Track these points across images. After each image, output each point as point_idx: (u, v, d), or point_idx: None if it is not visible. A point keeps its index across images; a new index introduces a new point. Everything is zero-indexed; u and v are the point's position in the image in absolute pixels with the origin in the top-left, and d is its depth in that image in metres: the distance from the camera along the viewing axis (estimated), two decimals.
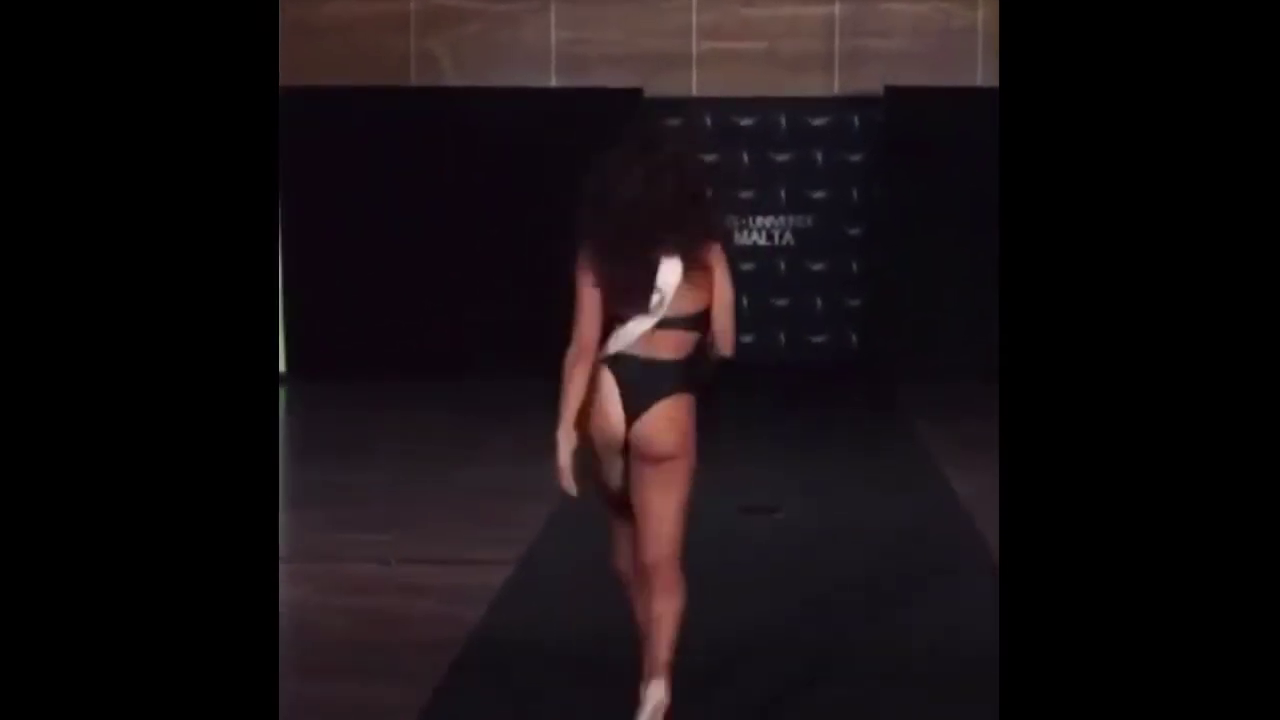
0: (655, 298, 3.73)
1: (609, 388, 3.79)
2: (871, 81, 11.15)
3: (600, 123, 10.32)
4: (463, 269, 11.04)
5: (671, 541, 3.84)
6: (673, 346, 3.79)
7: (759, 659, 4.70)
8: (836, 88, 11.32)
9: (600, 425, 3.80)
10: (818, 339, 11.56)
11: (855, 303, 11.51)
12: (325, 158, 10.84)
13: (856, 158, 11.42)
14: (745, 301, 11.23)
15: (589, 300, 3.77)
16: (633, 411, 3.78)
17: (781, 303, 11.59)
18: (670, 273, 3.73)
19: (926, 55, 11.03)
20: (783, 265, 11.58)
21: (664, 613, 3.83)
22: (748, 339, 11.28)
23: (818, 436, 8.77)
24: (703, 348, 3.83)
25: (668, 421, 3.76)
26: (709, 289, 3.78)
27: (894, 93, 10.95)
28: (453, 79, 11.31)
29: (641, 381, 3.76)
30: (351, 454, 7.93)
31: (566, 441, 3.80)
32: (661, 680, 3.80)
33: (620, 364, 3.78)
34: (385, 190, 10.98)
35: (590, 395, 3.78)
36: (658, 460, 3.79)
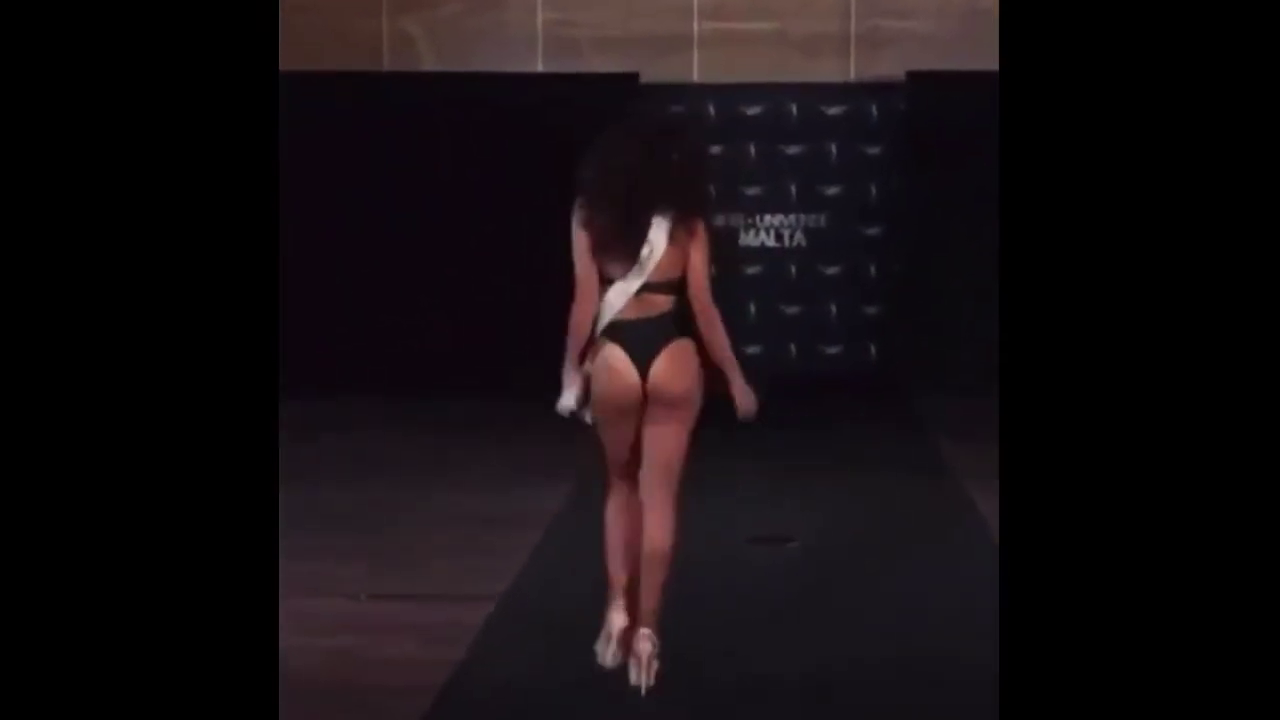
0: (645, 249, 4.53)
1: (613, 353, 4.58)
2: (891, 66, 11.17)
3: (592, 112, 10.60)
4: (438, 274, 11.03)
5: (673, 474, 4.66)
6: (658, 307, 4.59)
7: (766, 704, 4.66)
8: (853, 73, 11.35)
9: (613, 387, 4.58)
10: (832, 350, 11.60)
11: (873, 310, 11.54)
12: (288, 151, 10.70)
13: (875, 150, 11.44)
14: (752, 309, 11.27)
15: (584, 253, 4.58)
16: (643, 365, 4.57)
17: (792, 310, 11.61)
18: (659, 233, 4.55)
19: (951, 38, 11.01)
20: (793, 269, 11.60)
21: (654, 552, 4.61)
22: (755, 350, 11.26)
23: (833, 458, 8.74)
24: (682, 309, 4.60)
25: (678, 366, 4.58)
26: (687, 257, 4.59)
27: (916, 79, 10.94)
28: (430, 64, 11.32)
29: (640, 338, 4.56)
30: (318, 477, 7.89)
31: (573, 381, 4.65)
32: (649, 630, 4.60)
33: (616, 330, 4.58)
34: (355, 187, 10.93)
35: (594, 373, 4.59)
36: (671, 403, 4.59)
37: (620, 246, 4.57)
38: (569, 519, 7.02)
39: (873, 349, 11.55)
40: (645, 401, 4.61)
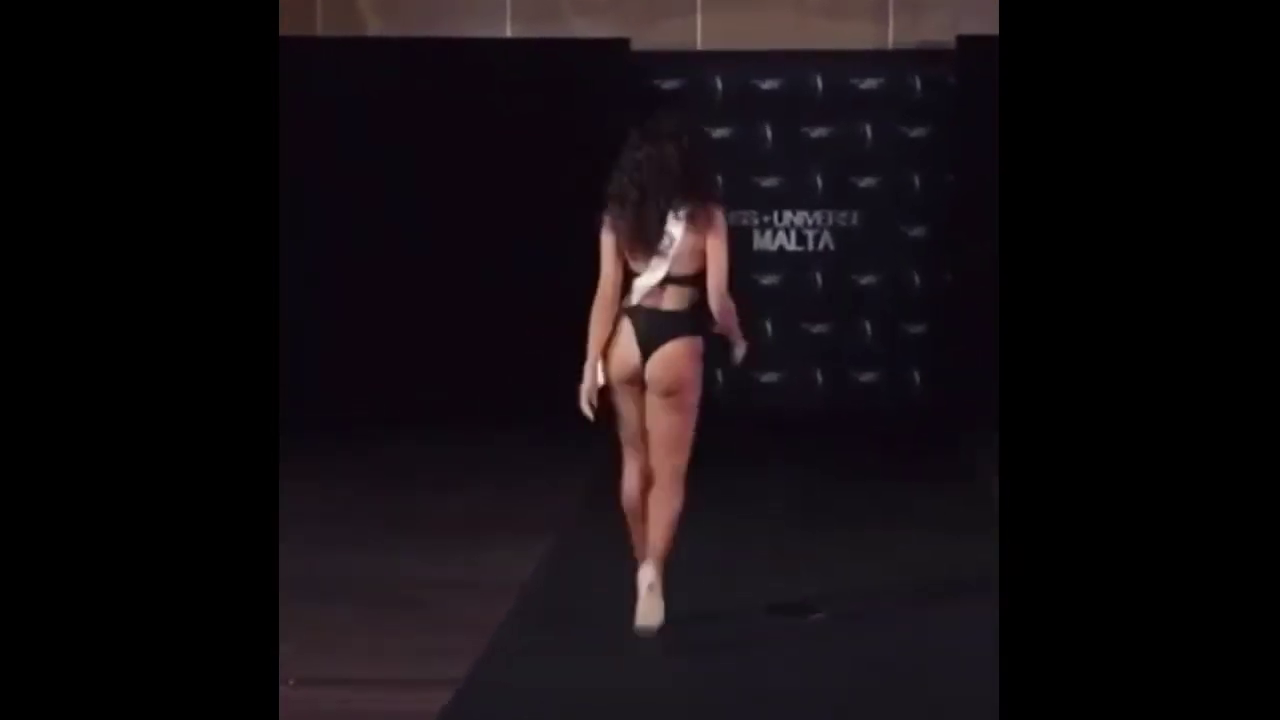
0: (665, 240, 5.95)
1: (627, 333, 6.03)
2: (939, 29, 11.20)
3: (574, 86, 10.88)
4: (383, 284, 10.98)
5: (676, 456, 6.09)
6: (675, 300, 6.03)
7: None
8: (891, 38, 11.37)
9: (620, 362, 6.03)
10: (868, 378, 11.57)
11: (918, 329, 11.54)
12: None
13: (919, 132, 11.44)
14: (769, 327, 11.23)
15: (610, 254, 6.05)
16: (646, 351, 6.00)
17: (819, 329, 11.58)
18: (676, 224, 5.96)
19: None
20: (819, 278, 11.57)
21: (662, 514, 6.09)
22: (773, 378, 11.23)
23: (867, 511, 8.70)
24: (701, 303, 6.03)
25: (671, 361, 5.99)
26: (705, 253, 5.99)
27: (969, 45, 10.90)
28: (375, 28, 11.32)
29: (651, 328, 5.99)
30: None
31: (592, 373, 6.04)
32: (652, 564, 6.06)
33: (635, 314, 6.04)
34: (285, 175, 10.85)
35: (611, 340, 6.01)
36: (665, 393, 6.02)
37: (643, 242, 5.97)
38: (545, 584, 7.02)
39: (916, 376, 11.54)
40: (643, 384, 6.01)
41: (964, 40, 10.95)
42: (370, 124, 10.98)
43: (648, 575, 6.06)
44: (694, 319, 6.04)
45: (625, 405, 6.12)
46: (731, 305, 6.05)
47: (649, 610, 6.05)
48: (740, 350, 6.21)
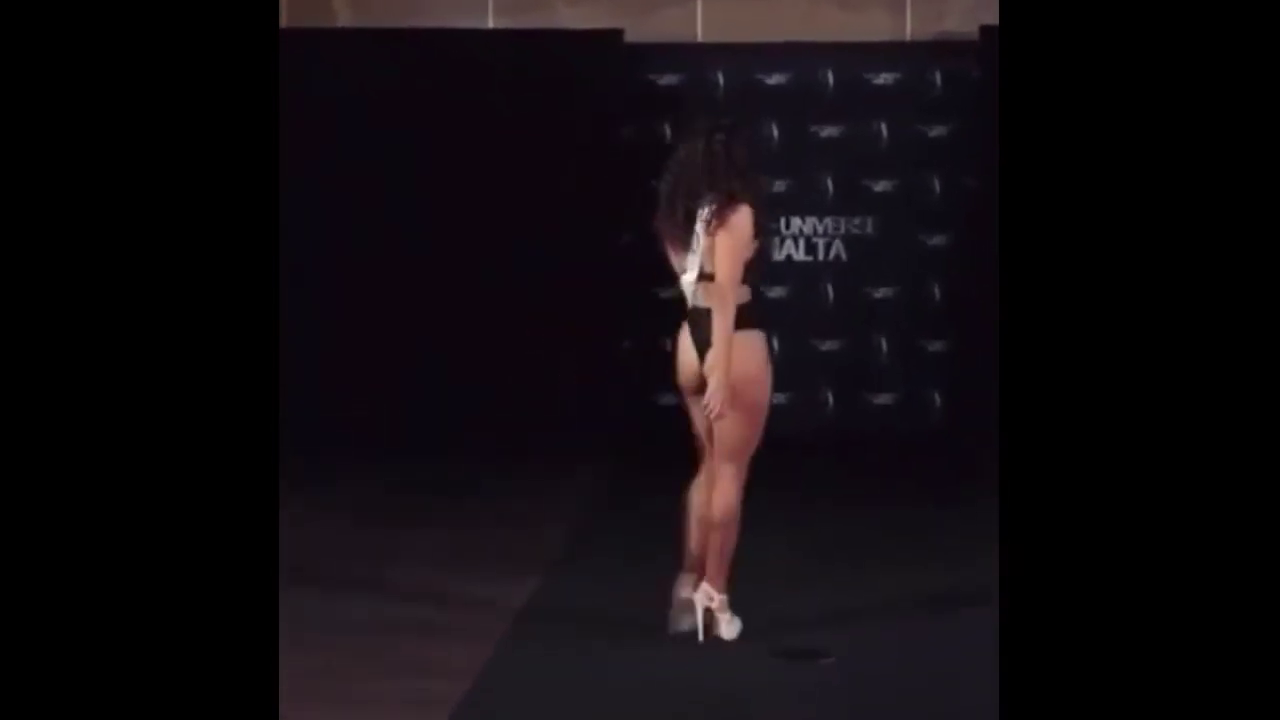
0: (694, 239, 6.43)
1: (682, 337, 6.53)
2: (961, 19, 11.23)
3: (561, 82, 10.86)
4: (365, 294, 10.98)
5: (735, 455, 6.49)
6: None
7: None
8: (909, 30, 11.41)
9: (681, 365, 6.53)
10: (883, 399, 11.60)
11: (938, 346, 11.56)
12: None
13: (938, 131, 11.48)
14: (776, 344, 11.05)
15: (667, 254, 6.63)
16: (701, 352, 6.42)
17: (829, 346, 11.57)
18: (700, 223, 6.42)
19: None
20: (830, 291, 11.56)
21: (706, 518, 6.52)
22: (780, 399, 11.06)
23: (881, 545, 8.69)
24: (755, 299, 6.50)
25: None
26: None
27: (992, 36, 10.75)
28: (345, 19, 11.36)
29: (703, 324, 6.40)
30: None
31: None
32: (709, 585, 6.52)
33: (690, 316, 6.51)
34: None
35: (674, 344, 6.58)
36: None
37: (678, 240, 6.53)
38: (533, 625, 7.04)
39: (937, 398, 11.59)
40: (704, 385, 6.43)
41: (988, 31, 10.87)
42: (338, 122, 10.94)
43: (701, 597, 6.52)
44: (748, 315, 6.36)
45: (693, 411, 6.59)
46: (727, 315, 6.28)
47: (731, 625, 6.57)
48: (713, 401, 6.30)
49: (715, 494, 6.53)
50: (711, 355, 6.33)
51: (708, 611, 6.54)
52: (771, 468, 6.74)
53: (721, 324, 6.28)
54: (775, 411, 6.74)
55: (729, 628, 6.56)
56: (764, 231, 6.54)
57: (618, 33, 11.09)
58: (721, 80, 11.40)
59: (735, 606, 6.57)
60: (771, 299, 11.23)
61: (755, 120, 11.17)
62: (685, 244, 6.46)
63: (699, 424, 6.58)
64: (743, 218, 6.32)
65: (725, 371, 6.27)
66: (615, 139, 11.17)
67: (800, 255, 11.51)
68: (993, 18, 10.66)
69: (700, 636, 6.51)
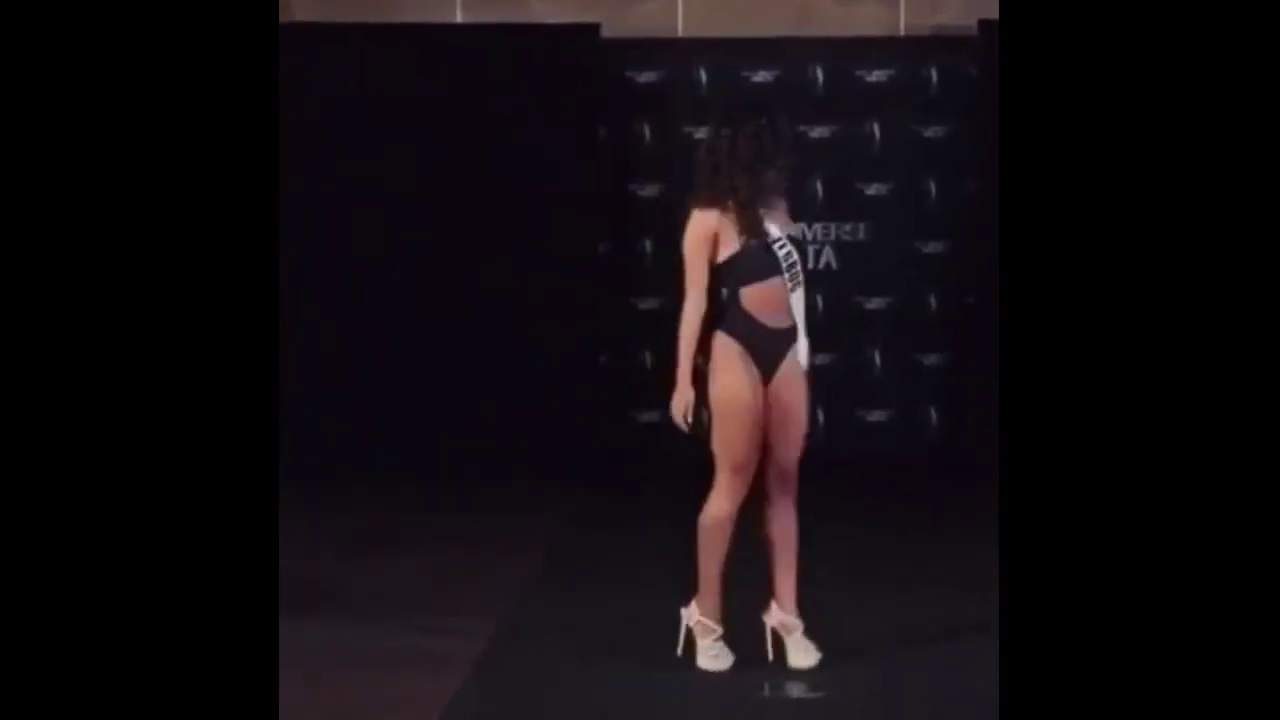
0: None
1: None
2: (958, 12, 11.24)
3: (533, 80, 10.79)
4: (315, 314, 10.87)
5: (719, 460, 6.58)
6: None
7: None
8: (903, 24, 11.40)
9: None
10: (876, 417, 11.63)
11: (934, 360, 11.56)
12: None
13: (935, 131, 11.49)
14: None
15: None
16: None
17: (820, 360, 11.01)
18: None
19: None
20: (820, 301, 11.27)
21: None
22: None
23: (872, 576, 8.67)
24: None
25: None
26: None
27: (992, 31, 10.71)
28: (305, 12, 11.31)
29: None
30: None
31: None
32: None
33: None
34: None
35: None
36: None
37: None
38: (508, 651, 7.07)
39: (933, 415, 11.58)
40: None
41: (986, 25, 10.80)
42: (293, 120, 10.75)
43: (797, 623, 6.72)
44: (720, 319, 6.51)
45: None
46: (682, 320, 6.54)
47: (802, 651, 6.70)
48: (676, 406, 6.54)
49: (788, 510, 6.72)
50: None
51: (689, 630, 6.61)
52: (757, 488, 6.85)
53: (682, 342, 6.48)
54: None
55: (706, 655, 6.60)
56: (752, 232, 6.46)
57: (593, 27, 11.05)
58: (704, 77, 11.38)
59: (725, 637, 6.60)
60: None
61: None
62: None
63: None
64: (691, 223, 6.45)
65: (680, 377, 6.48)
66: (591, 140, 11.14)
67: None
68: (992, 11, 10.60)
69: (769, 656, 6.66)
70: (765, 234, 6.47)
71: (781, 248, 6.50)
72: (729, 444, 6.51)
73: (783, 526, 6.72)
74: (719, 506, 6.58)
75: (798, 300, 6.61)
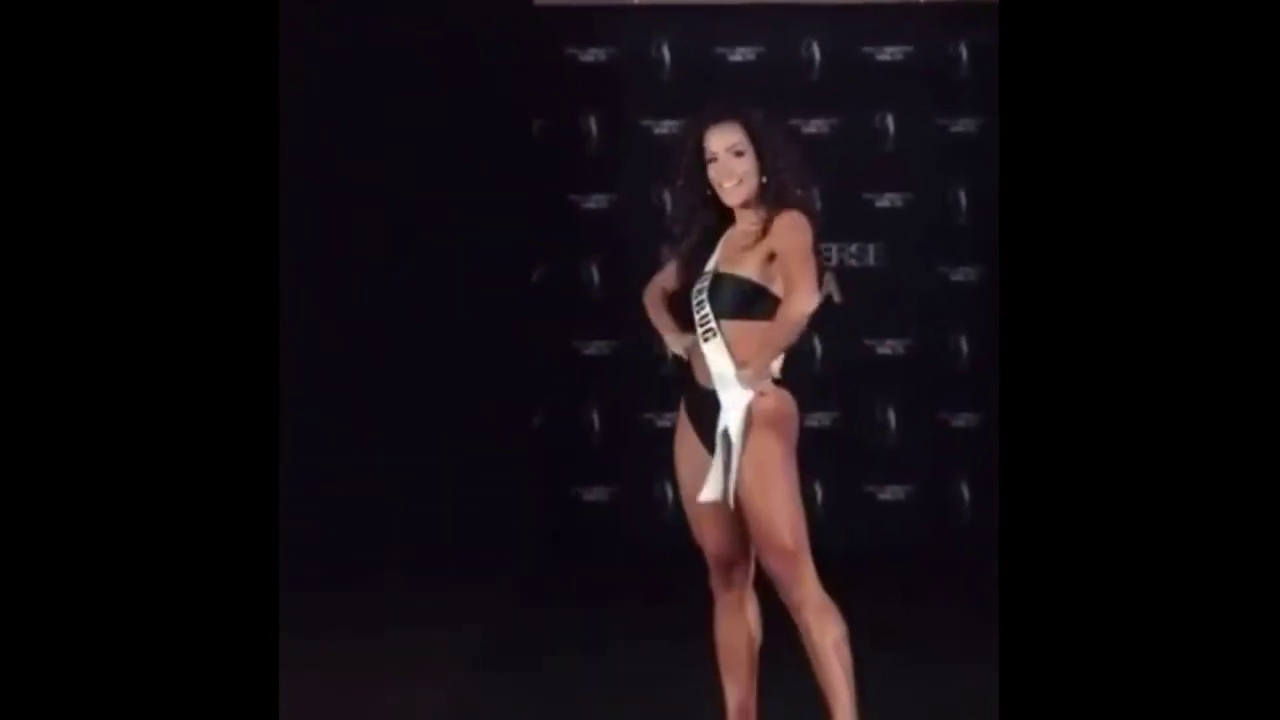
0: None
1: None
2: None
3: (452, 60, 10.69)
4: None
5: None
6: None
7: None
8: None
9: None
10: (888, 494, 11.75)
11: (964, 420, 11.68)
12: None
13: (964, 125, 11.67)
14: None
15: None
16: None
17: (817, 420, 11.47)
18: None
19: None
20: (818, 344, 11.56)
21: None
22: None
23: (880, 699, 8.04)
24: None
25: None
26: None
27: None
28: None
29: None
30: None
31: None
32: None
33: None
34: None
35: None
36: None
37: None
38: None
39: (965, 492, 11.67)
40: None
41: None
42: None
43: None
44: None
45: None
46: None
47: None
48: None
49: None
50: None
51: None
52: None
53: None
54: None
55: None
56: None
57: None
58: (667, 55, 11.53)
59: None
60: None
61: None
62: None
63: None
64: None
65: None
66: (523, 137, 11.25)
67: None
68: None
69: None
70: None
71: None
72: (692, 519, 6.62)
73: (808, 643, 6.69)
74: (716, 613, 6.73)
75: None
